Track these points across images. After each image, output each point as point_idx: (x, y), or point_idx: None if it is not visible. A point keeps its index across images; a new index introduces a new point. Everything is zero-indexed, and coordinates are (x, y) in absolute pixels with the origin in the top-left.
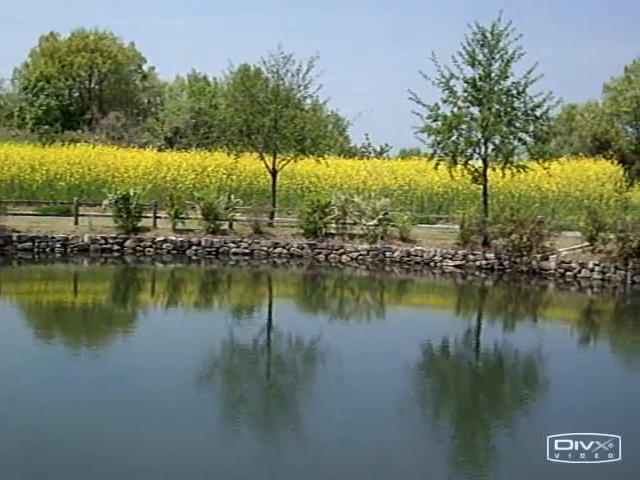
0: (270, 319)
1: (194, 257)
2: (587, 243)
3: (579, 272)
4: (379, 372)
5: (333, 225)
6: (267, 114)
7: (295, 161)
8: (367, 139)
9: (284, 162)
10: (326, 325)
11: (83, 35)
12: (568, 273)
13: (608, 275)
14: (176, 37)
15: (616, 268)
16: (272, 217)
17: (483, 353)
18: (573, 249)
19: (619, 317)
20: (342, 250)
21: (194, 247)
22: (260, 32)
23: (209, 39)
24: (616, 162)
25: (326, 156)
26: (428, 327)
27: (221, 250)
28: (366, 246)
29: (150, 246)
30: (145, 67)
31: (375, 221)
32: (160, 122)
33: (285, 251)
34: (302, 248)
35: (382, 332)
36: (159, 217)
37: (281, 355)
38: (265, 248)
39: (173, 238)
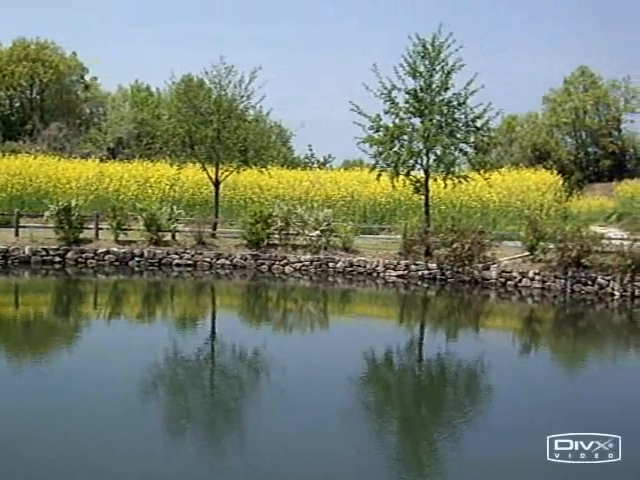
0: (213, 330)
1: (137, 268)
2: (527, 253)
3: (520, 281)
4: (322, 383)
5: (276, 236)
6: (210, 125)
7: (238, 172)
8: (310, 150)
9: (227, 173)
10: (269, 336)
11: (24, 45)
12: (509, 282)
13: (548, 284)
14: (118, 47)
15: (556, 277)
16: (215, 228)
17: (426, 363)
18: (514, 258)
19: (559, 325)
20: (285, 261)
21: (136, 258)
22: (202, 43)
23: (152, 49)
24: (556, 172)
25: (269, 167)
26: (371, 337)
27: (164, 261)
28: (309, 257)
29: (92, 258)
30: (87, 77)
31: (318, 232)
32: (102, 133)
33: (228, 262)
34: (245, 259)
35: (325, 343)
36: (101, 228)
37: (224, 366)
38: (208, 259)
39: (115, 249)
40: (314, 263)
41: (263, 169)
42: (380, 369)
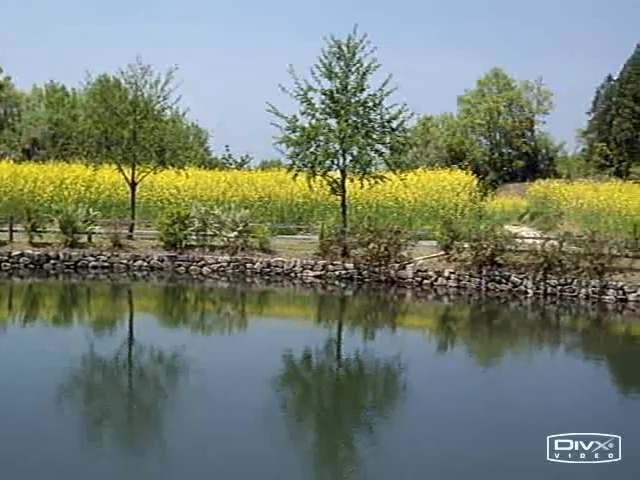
0: (131, 333)
1: (52, 271)
2: (443, 252)
3: (435, 280)
4: (241, 383)
5: (193, 237)
6: (126, 125)
7: (155, 173)
8: (227, 150)
9: (144, 174)
10: (188, 338)
11: None
12: (425, 281)
13: (463, 283)
14: (33, 47)
15: (470, 276)
16: (132, 230)
17: (344, 362)
18: (429, 258)
19: (475, 323)
20: (203, 262)
21: (52, 261)
22: (119, 43)
23: (67, 49)
24: (470, 172)
25: (186, 168)
26: (290, 338)
27: (80, 264)
28: (226, 258)
29: (6, 260)
30: (0, 77)
31: (235, 233)
32: (17, 133)
33: (145, 264)
34: (162, 260)
35: (244, 344)
36: (15, 231)
37: (142, 369)
38: (125, 261)
39: (30, 252)
40: (232, 264)
41: (180, 170)
42: (299, 369)
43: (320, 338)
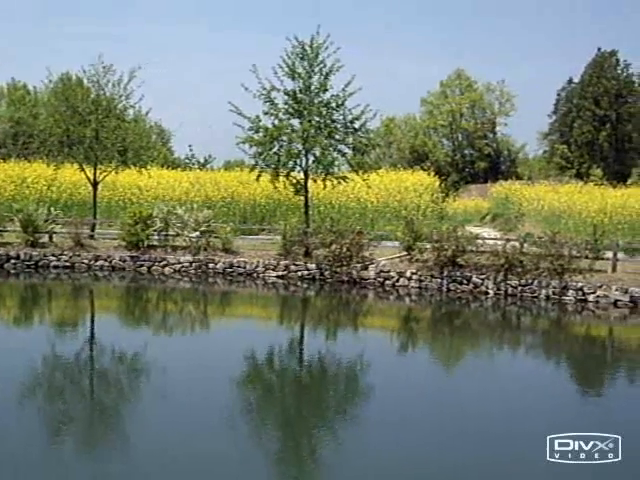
0: (92, 334)
1: (13, 271)
2: (405, 252)
3: (397, 281)
4: (204, 384)
5: (155, 237)
6: (88, 124)
7: (117, 172)
8: (190, 150)
9: (105, 173)
10: (150, 338)
11: None
12: (387, 282)
13: (425, 283)
14: None
15: (432, 276)
16: (93, 229)
17: (307, 363)
18: (391, 258)
19: (436, 324)
20: (165, 262)
21: (12, 261)
22: (82, 41)
23: (29, 46)
24: (433, 174)
25: (149, 167)
26: (252, 338)
27: (41, 263)
28: (189, 258)
29: None
30: None
31: (198, 233)
32: None
33: (107, 264)
34: (124, 260)
35: (206, 344)
36: None
37: (104, 370)
38: (86, 261)
39: None
40: (194, 264)
41: (142, 169)
42: (261, 370)
43: (282, 338)
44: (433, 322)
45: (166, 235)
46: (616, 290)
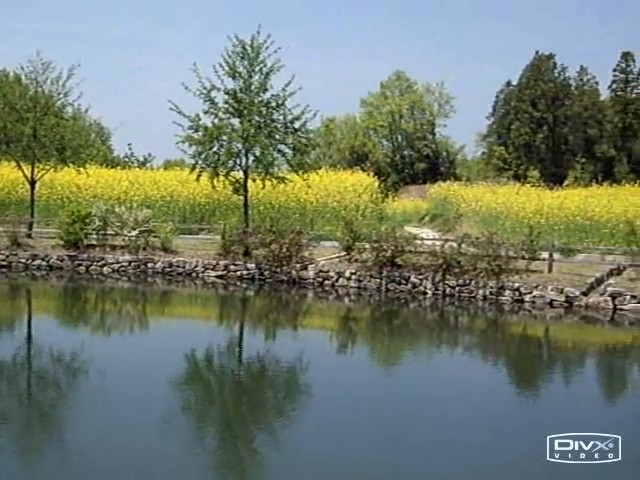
0: (29, 334)
1: None
2: (344, 253)
3: (337, 281)
4: (142, 385)
5: (94, 236)
6: (26, 122)
7: (55, 170)
8: (130, 149)
9: (43, 172)
10: (88, 339)
11: None
12: (326, 282)
13: (364, 283)
14: None
15: (371, 276)
16: (31, 228)
17: (246, 363)
18: (331, 259)
19: (375, 324)
20: (103, 261)
21: None
22: (19, 38)
23: None
24: (372, 174)
25: (87, 166)
26: (191, 338)
27: None
28: (128, 257)
29: None
30: None
31: (137, 232)
32: None
33: (44, 263)
34: (62, 260)
35: (145, 344)
36: None
37: (41, 370)
38: (23, 260)
39: None
40: (133, 264)
41: (81, 168)
42: (200, 370)
43: (222, 338)
44: (372, 322)
45: (105, 234)
46: (552, 290)
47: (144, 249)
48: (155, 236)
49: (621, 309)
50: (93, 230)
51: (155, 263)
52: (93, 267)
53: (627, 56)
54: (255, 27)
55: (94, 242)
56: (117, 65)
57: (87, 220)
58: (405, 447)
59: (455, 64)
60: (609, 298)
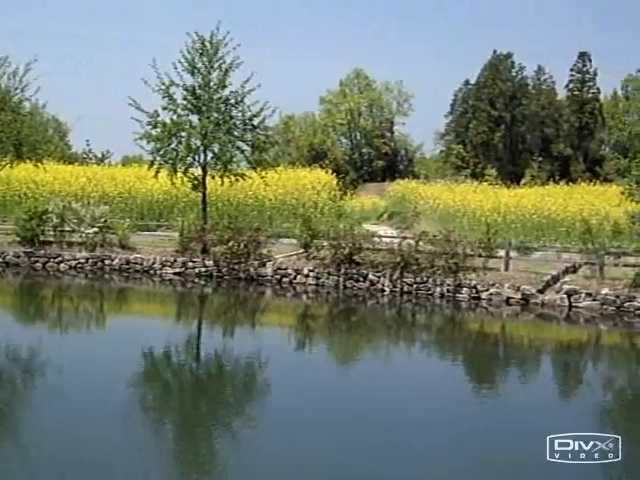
0: None
1: None
2: (302, 250)
3: (295, 278)
4: (99, 383)
5: (51, 233)
6: None
7: (12, 166)
8: (88, 145)
9: (0, 167)
10: (44, 336)
11: None
12: (284, 279)
13: (322, 280)
14: None
15: (329, 274)
16: None
17: (204, 360)
18: (289, 256)
19: (333, 321)
20: (60, 258)
21: None
22: None
23: None
24: (331, 172)
25: (45, 162)
26: (148, 336)
27: None
28: (85, 254)
29: None
30: None
31: (94, 229)
32: None
33: (0, 260)
34: (18, 256)
35: (102, 342)
36: None
37: None
38: None
39: None
40: (90, 261)
41: (38, 164)
42: (157, 368)
43: (179, 336)
44: (330, 319)
45: (62, 231)
46: (508, 288)
47: (101, 246)
48: (113, 233)
49: (576, 307)
50: (50, 227)
51: (112, 260)
52: (50, 264)
53: (583, 56)
54: (214, 24)
55: (51, 239)
56: (75, 60)
57: (44, 217)
58: (359, 449)
59: (414, 63)
60: (565, 296)
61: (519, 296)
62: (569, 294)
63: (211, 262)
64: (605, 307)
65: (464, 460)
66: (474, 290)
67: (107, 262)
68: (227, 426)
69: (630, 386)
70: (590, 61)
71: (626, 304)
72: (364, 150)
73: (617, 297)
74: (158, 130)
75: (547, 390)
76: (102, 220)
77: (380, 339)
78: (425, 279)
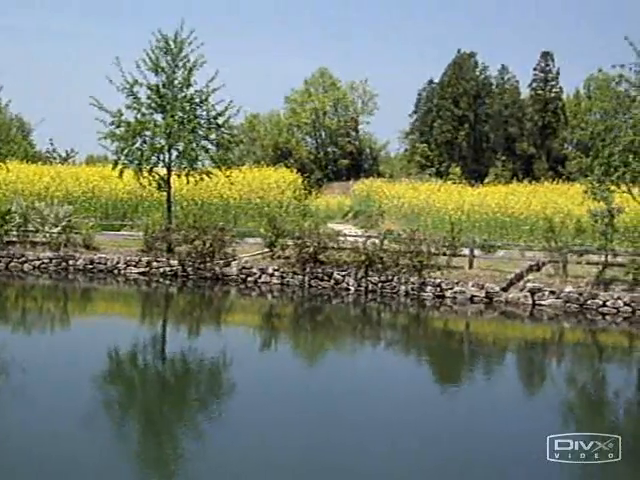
0: None
1: None
2: (267, 249)
3: (260, 277)
4: (64, 383)
5: (14, 232)
6: None
7: None
8: (52, 144)
9: None
10: (7, 336)
11: None
12: (249, 278)
13: (287, 280)
14: None
15: (294, 273)
16: None
17: (169, 360)
18: (254, 255)
19: (298, 320)
20: (24, 258)
21: None
22: None
23: None
24: (296, 171)
25: (8, 161)
26: (114, 336)
27: None
28: (49, 254)
29: None
30: None
31: (58, 228)
32: None
33: None
34: None
35: (66, 342)
36: None
37: None
38: None
39: None
40: (54, 261)
41: (1, 163)
42: (123, 368)
43: (144, 336)
44: (295, 318)
45: (25, 231)
46: (472, 286)
47: (65, 246)
48: (77, 233)
49: (540, 304)
50: (13, 227)
51: (76, 260)
52: (13, 264)
53: (546, 56)
54: (178, 22)
55: (14, 239)
56: (38, 59)
57: (7, 216)
58: (327, 447)
59: (379, 62)
60: (528, 294)
61: (483, 294)
62: (533, 292)
63: (176, 261)
64: (568, 305)
65: (432, 459)
66: (438, 288)
67: (71, 262)
68: (192, 425)
69: (594, 383)
70: (553, 60)
71: (589, 302)
72: (329, 149)
73: (580, 295)
74: (122, 129)
75: (513, 388)
76: (66, 220)
77: (345, 338)
78: (390, 278)
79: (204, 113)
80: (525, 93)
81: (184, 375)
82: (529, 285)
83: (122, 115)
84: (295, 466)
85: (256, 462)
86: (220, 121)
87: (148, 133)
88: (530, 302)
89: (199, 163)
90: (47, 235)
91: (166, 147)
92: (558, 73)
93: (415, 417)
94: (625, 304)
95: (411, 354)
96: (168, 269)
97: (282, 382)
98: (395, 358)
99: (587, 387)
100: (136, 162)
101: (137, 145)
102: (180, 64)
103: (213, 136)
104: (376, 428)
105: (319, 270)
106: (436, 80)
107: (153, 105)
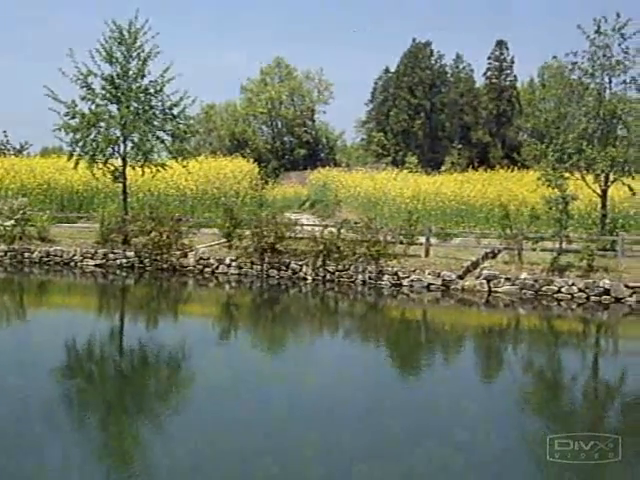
0: None
1: None
2: (224, 239)
3: (217, 268)
4: (21, 377)
5: None
6: None
7: None
8: (6, 136)
9: None
10: None
11: None
12: (207, 269)
13: (244, 270)
14: None
15: (252, 263)
16: None
17: (126, 352)
18: (211, 246)
19: (257, 310)
20: None
21: None
22: None
23: None
24: (252, 161)
25: None
26: (70, 329)
27: None
28: (3, 247)
29: None
30: None
31: (12, 221)
32: None
33: None
34: None
35: (23, 335)
36: None
37: None
38: None
39: None
40: (9, 254)
41: None
42: (80, 360)
43: (101, 328)
44: (253, 308)
45: None
46: (429, 274)
47: (20, 238)
48: (32, 225)
49: (496, 291)
50: None
51: (32, 253)
52: None
53: (501, 44)
54: (133, 11)
55: None
56: None
57: None
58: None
59: (334, 50)
60: (484, 281)
61: (440, 282)
62: (488, 279)
63: (132, 253)
64: (524, 291)
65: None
66: (395, 277)
67: (26, 255)
68: (150, 416)
69: (549, 369)
70: (507, 49)
71: (544, 288)
72: (285, 139)
73: (535, 281)
74: (77, 120)
75: (474, 375)
76: (21, 212)
77: (304, 327)
78: (347, 267)
79: (159, 104)
80: (480, 82)
81: (142, 367)
82: (485, 272)
83: (76, 106)
84: (255, 454)
85: (215, 451)
86: (175, 112)
87: (103, 124)
88: (486, 289)
89: (154, 155)
90: (1, 228)
91: (121, 138)
92: (512, 61)
93: (388, 411)
94: (579, 290)
95: (370, 342)
96: (125, 261)
97: (239, 372)
98: (353, 347)
99: (544, 372)
100: (91, 153)
101: (92, 136)
102: (134, 54)
103: (169, 127)
104: (339, 419)
105: (276, 260)
106: (392, 69)
107: (108, 96)
